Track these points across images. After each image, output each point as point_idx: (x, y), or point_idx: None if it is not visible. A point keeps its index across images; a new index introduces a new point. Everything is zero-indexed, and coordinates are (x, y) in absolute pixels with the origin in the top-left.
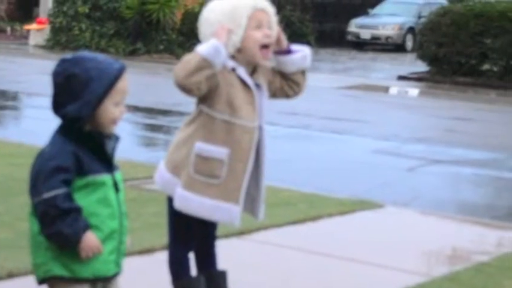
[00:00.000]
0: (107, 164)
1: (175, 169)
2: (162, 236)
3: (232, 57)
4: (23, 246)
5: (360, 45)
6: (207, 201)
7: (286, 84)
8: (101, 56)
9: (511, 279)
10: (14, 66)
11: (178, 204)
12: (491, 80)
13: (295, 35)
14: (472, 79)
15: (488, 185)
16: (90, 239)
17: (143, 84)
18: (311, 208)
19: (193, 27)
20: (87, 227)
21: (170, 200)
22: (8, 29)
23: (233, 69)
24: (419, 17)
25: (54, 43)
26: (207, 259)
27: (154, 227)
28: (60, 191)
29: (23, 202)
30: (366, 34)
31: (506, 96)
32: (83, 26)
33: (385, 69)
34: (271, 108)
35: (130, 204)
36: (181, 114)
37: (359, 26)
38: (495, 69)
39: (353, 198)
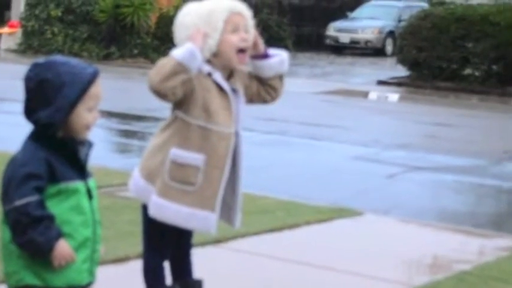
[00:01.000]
0: (80, 170)
1: (149, 176)
2: (137, 244)
3: (208, 61)
4: None
5: (339, 49)
6: (182, 208)
7: (263, 89)
8: (74, 61)
9: None
10: None
11: (153, 212)
12: (473, 85)
13: (272, 39)
14: (453, 84)
15: (470, 192)
16: (62, 248)
17: (117, 89)
18: (289, 216)
19: (168, 31)
20: (60, 235)
21: (145, 208)
22: None
23: (209, 74)
24: (400, 20)
25: (26, 47)
26: (183, 268)
27: (129, 235)
28: (32, 198)
29: None
30: (344, 38)
31: (488, 102)
32: (56, 30)
33: (364, 73)
34: (248, 113)
35: (104, 212)
36: (156, 119)
37: (338, 30)
38: (477, 73)
39: (331, 205)
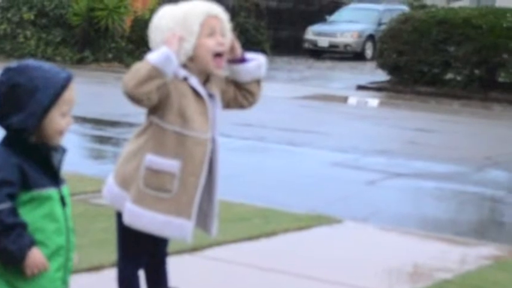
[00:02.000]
0: (53, 177)
1: (124, 183)
2: (111, 252)
3: (184, 65)
4: None
5: (318, 53)
6: (157, 216)
7: (241, 94)
8: (47, 65)
9: None
10: None
11: (127, 220)
12: (455, 89)
13: (249, 42)
14: (435, 89)
15: (451, 200)
16: (35, 256)
17: (91, 93)
18: (266, 224)
19: (143, 34)
20: (33, 243)
21: (119, 215)
22: None
23: (185, 79)
24: (380, 24)
25: None
26: (158, 276)
27: (103, 243)
28: (5, 205)
29: None
30: (323, 42)
31: (470, 107)
32: (28, 34)
33: (343, 78)
34: (225, 119)
35: (78, 220)
36: (130, 125)
37: (316, 34)
38: (458, 78)
39: (310, 213)
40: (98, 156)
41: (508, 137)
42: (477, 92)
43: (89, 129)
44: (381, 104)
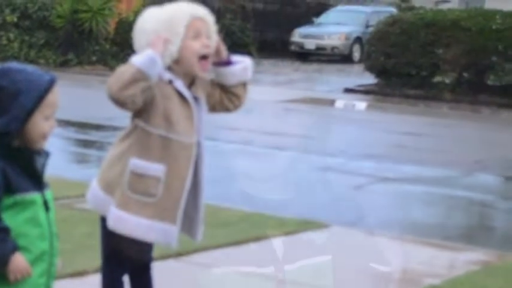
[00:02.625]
0: (37, 181)
1: (108, 187)
2: (95, 258)
3: (169, 68)
4: None
5: (304, 55)
6: (142, 221)
7: (226, 97)
8: (30, 68)
9: None
10: None
11: (112, 224)
12: (443, 92)
13: (235, 45)
14: (423, 92)
15: (440, 204)
16: (18, 261)
17: (75, 97)
18: (252, 228)
19: (127, 36)
20: (16, 248)
21: (103, 220)
22: None
23: (170, 82)
24: (367, 26)
25: None
26: (142, 282)
27: (87, 249)
28: None
29: None
30: (310, 44)
31: (458, 110)
32: (11, 36)
33: (330, 81)
34: (210, 122)
35: (62, 225)
36: (115, 129)
37: (303, 36)
38: (447, 81)
39: (297, 217)
40: (81, 160)
41: (497, 140)
42: (466, 95)
43: (72, 133)
44: (369, 107)
